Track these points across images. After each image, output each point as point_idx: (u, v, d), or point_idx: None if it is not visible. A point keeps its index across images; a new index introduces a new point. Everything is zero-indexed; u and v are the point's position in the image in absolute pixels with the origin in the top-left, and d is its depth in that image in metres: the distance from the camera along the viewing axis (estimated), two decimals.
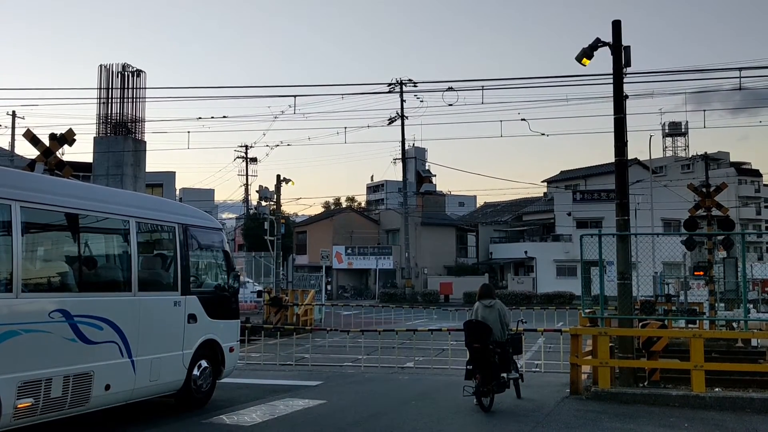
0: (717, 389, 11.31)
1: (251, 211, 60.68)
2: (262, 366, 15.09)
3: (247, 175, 68.49)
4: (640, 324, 12.67)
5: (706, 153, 59.03)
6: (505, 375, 10.07)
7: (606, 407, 10.03)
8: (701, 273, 21.76)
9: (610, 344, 11.61)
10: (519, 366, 11.09)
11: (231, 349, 10.39)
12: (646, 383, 11.52)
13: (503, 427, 8.59)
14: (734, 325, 18.36)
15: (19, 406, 6.81)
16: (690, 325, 18.88)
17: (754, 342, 17.57)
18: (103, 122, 24.98)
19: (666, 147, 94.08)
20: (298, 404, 9.97)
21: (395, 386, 12.13)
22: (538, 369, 14.49)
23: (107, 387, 7.91)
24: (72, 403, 7.46)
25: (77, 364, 7.50)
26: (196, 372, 9.58)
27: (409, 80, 45.77)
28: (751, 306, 23.16)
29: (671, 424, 8.95)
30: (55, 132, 15.24)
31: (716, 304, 20.82)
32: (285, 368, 14.76)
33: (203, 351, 9.74)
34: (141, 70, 25.46)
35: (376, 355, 15.48)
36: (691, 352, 10.64)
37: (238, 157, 67.81)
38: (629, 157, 13.23)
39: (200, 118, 69.68)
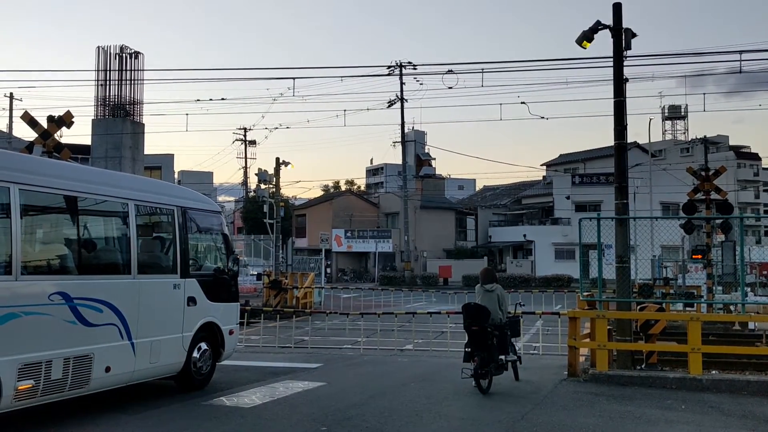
0: (714, 372, 11.38)
1: (250, 194, 60.64)
2: (261, 348, 15.15)
3: (246, 157, 68.36)
4: (638, 307, 12.72)
5: (705, 136, 58.85)
6: (503, 357, 10.13)
7: (603, 389, 10.09)
8: (699, 256, 21.79)
9: (608, 327, 11.66)
10: (517, 348, 11.14)
11: (231, 332, 10.43)
12: (643, 366, 11.58)
13: (501, 409, 8.64)
14: (732, 308, 18.43)
15: (19, 387, 6.84)
16: (688, 308, 18.95)
17: (751, 325, 17.66)
18: (101, 104, 24.85)
19: (665, 130, 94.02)
20: (297, 386, 10.02)
21: (394, 368, 12.19)
22: (536, 351, 14.56)
23: (107, 369, 7.95)
24: (72, 385, 7.50)
25: (77, 346, 7.53)
26: (195, 354, 9.62)
27: (409, 63, 45.67)
28: (749, 289, 23.25)
29: (668, 406, 9.01)
30: (53, 114, 15.20)
31: (714, 288, 20.90)
32: (284, 351, 14.83)
33: (203, 333, 9.78)
34: (139, 52, 25.30)
35: (375, 337, 15.55)
36: (688, 335, 10.69)
37: (236, 140, 67.66)
38: (628, 141, 13.21)
39: (198, 100, 69.59)
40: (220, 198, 75.91)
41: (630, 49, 12.25)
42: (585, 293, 13.41)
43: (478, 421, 8.01)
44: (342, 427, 7.58)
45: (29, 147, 14.67)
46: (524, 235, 54.62)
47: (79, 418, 7.78)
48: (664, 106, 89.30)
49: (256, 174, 31.15)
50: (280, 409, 8.51)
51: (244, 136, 67.38)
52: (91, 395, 8.12)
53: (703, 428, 7.87)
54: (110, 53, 24.99)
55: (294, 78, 45.21)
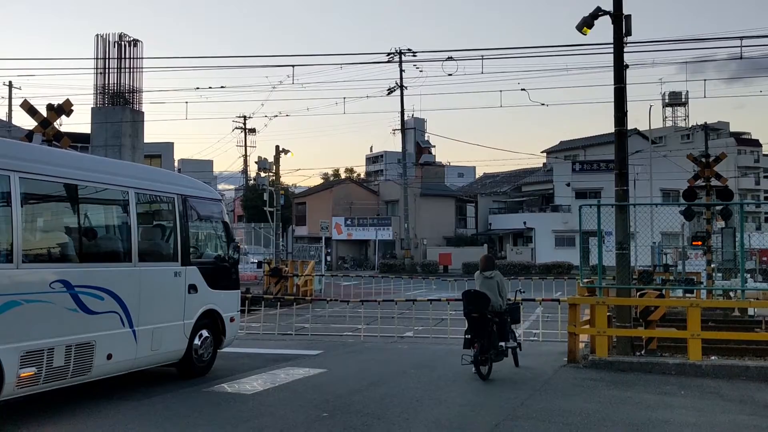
0: (713, 357, 11.42)
1: (250, 182, 60.65)
2: (262, 336, 15.20)
3: (245, 146, 68.34)
4: (638, 293, 12.75)
5: (705, 123, 58.75)
6: (503, 344, 10.17)
7: (603, 375, 10.14)
8: (699, 243, 21.84)
9: (608, 314, 11.69)
10: (517, 335, 11.18)
11: (231, 319, 10.47)
12: (643, 352, 11.63)
13: (501, 395, 8.69)
14: (731, 294, 18.48)
15: (21, 375, 6.88)
16: (687, 295, 18.99)
17: (750, 311, 17.70)
18: (100, 92, 24.80)
19: (666, 117, 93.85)
20: (298, 373, 10.07)
21: (394, 355, 12.24)
22: (536, 338, 14.61)
23: (109, 356, 7.99)
24: (74, 373, 7.54)
25: (79, 333, 7.56)
26: (197, 342, 9.66)
27: (408, 50, 45.45)
28: (749, 275, 23.28)
29: (667, 392, 9.06)
30: (53, 102, 15.17)
31: (714, 274, 20.94)
32: (285, 338, 14.88)
33: (204, 321, 9.81)
34: (138, 40, 25.21)
35: (375, 324, 15.59)
36: (688, 321, 10.73)
37: (236, 128, 67.59)
38: (629, 127, 13.19)
39: (198, 88, 69.45)
40: (220, 186, 76.06)
41: (630, 35, 12.20)
42: (585, 280, 13.44)
43: (478, 407, 8.05)
44: (343, 413, 7.62)
45: (29, 135, 14.66)
46: (524, 223, 54.64)
47: (81, 404, 7.82)
48: (664, 93, 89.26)
49: (255, 162, 31.17)
50: (282, 395, 8.56)
51: (244, 124, 67.34)
52: (93, 382, 8.16)
53: (702, 413, 7.91)
54: (109, 41, 24.91)
55: (293, 65, 45.34)
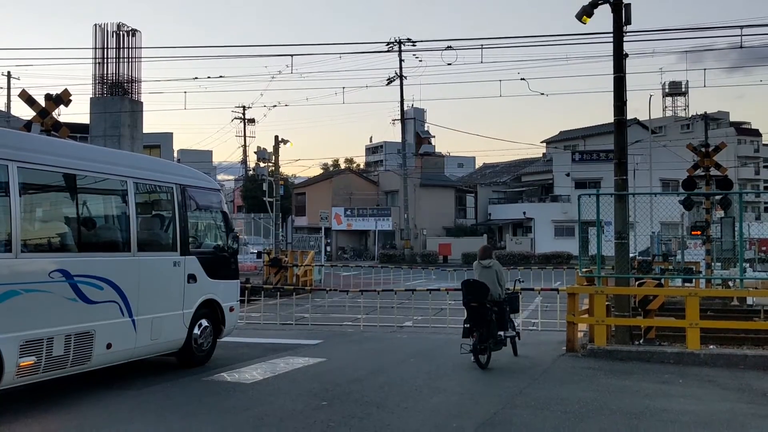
0: (712, 346, 11.46)
1: (250, 173, 60.61)
2: (262, 325, 15.23)
3: (245, 136, 68.29)
4: (637, 283, 12.77)
5: (705, 113, 58.58)
6: (502, 333, 10.19)
7: (602, 364, 10.17)
8: (698, 232, 21.87)
9: (607, 303, 11.71)
10: (516, 324, 11.21)
11: (231, 309, 10.49)
12: (641, 341, 11.66)
13: (500, 384, 8.71)
14: (730, 283, 18.50)
15: (21, 364, 6.89)
16: (686, 284, 19.02)
17: (749, 300, 17.73)
18: (98, 83, 24.71)
19: (666, 107, 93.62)
20: (298, 362, 10.09)
21: (394, 345, 12.26)
22: (535, 327, 14.63)
23: (108, 346, 8.01)
24: (74, 362, 7.56)
25: (78, 323, 7.58)
26: (196, 331, 9.69)
27: (408, 39, 45.30)
28: (747, 265, 23.31)
29: (666, 380, 9.08)
30: (51, 92, 15.13)
31: (713, 263, 20.98)
32: (285, 327, 14.90)
33: (204, 310, 9.83)
34: (136, 30, 25.10)
35: (375, 314, 15.61)
36: (686, 310, 10.75)
37: (235, 118, 67.51)
38: (628, 117, 13.17)
39: (197, 78, 69.22)
40: (220, 176, 76.01)
41: (630, 24, 12.19)
42: (584, 269, 13.46)
43: (476, 396, 8.08)
44: (342, 402, 7.64)
45: (27, 125, 14.63)
46: (524, 213, 54.64)
47: (81, 394, 7.85)
48: (664, 83, 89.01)
49: (255, 152, 31.10)
50: (281, 384, 8.58)
51: (243, 114, 67.25)
52: (93, 371, 8.18)
53: (700, 402, 7.94)
54: (107, 31, 24.80)
55: (292, 55, 45.25)
